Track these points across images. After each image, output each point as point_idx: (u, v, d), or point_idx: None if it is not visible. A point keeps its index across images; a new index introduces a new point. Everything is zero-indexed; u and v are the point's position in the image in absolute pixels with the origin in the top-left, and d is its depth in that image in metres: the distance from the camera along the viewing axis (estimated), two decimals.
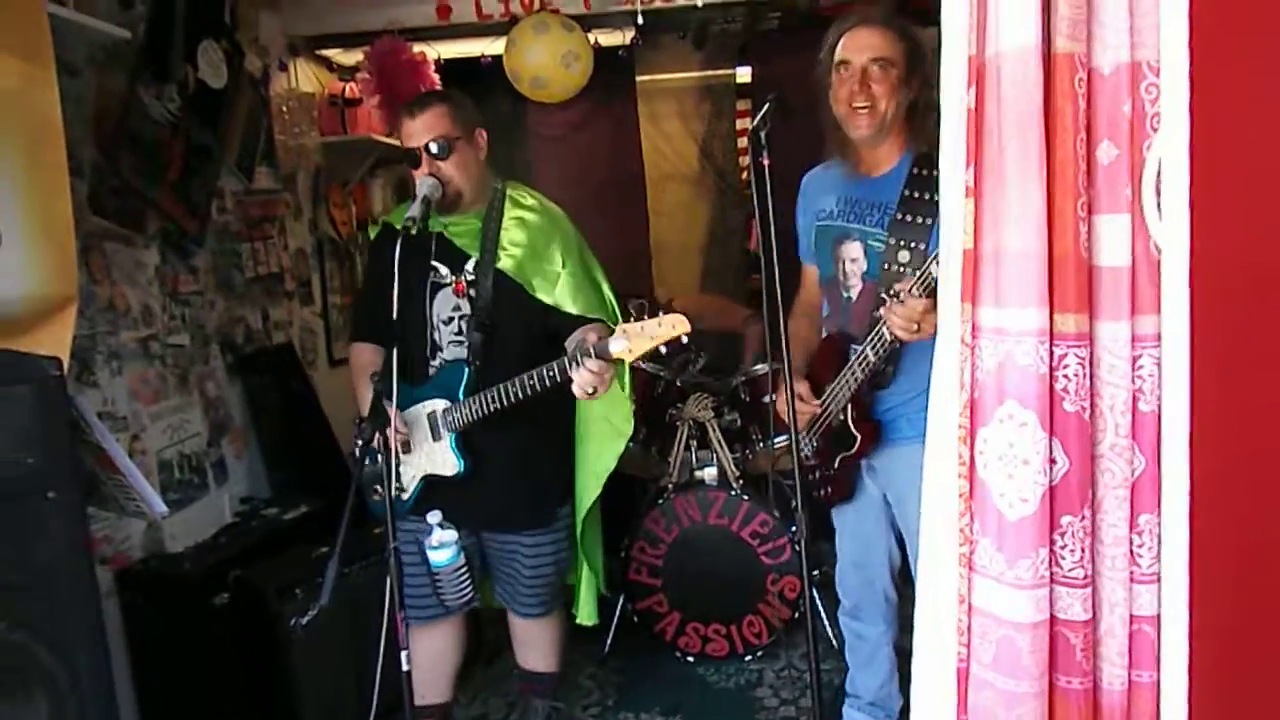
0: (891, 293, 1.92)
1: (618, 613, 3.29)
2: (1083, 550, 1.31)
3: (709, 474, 3.28)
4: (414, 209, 2.09)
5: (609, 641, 3.29)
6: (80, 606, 1.75)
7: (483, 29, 3.91)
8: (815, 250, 2.34)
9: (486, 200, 2.35)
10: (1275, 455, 1.11)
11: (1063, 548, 1.32)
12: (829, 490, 2.41)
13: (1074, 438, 1.29)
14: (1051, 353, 1.27)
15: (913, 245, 2.06)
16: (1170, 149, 1.14)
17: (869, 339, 2.08)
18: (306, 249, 3.97)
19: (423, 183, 2.21)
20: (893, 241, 2.09)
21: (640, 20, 3.87)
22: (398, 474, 2.36)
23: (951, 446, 1.35)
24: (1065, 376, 1.27)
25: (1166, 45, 1.13)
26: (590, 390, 2.03)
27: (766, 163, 2.00)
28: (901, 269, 2.06)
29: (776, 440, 3.26)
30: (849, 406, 2.22)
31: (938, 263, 1.78)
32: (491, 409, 2.19)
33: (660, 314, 1.96)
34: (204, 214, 3.14)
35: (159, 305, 2.92)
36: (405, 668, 1.97)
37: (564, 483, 2.50)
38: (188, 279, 3.08)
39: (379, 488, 2.35)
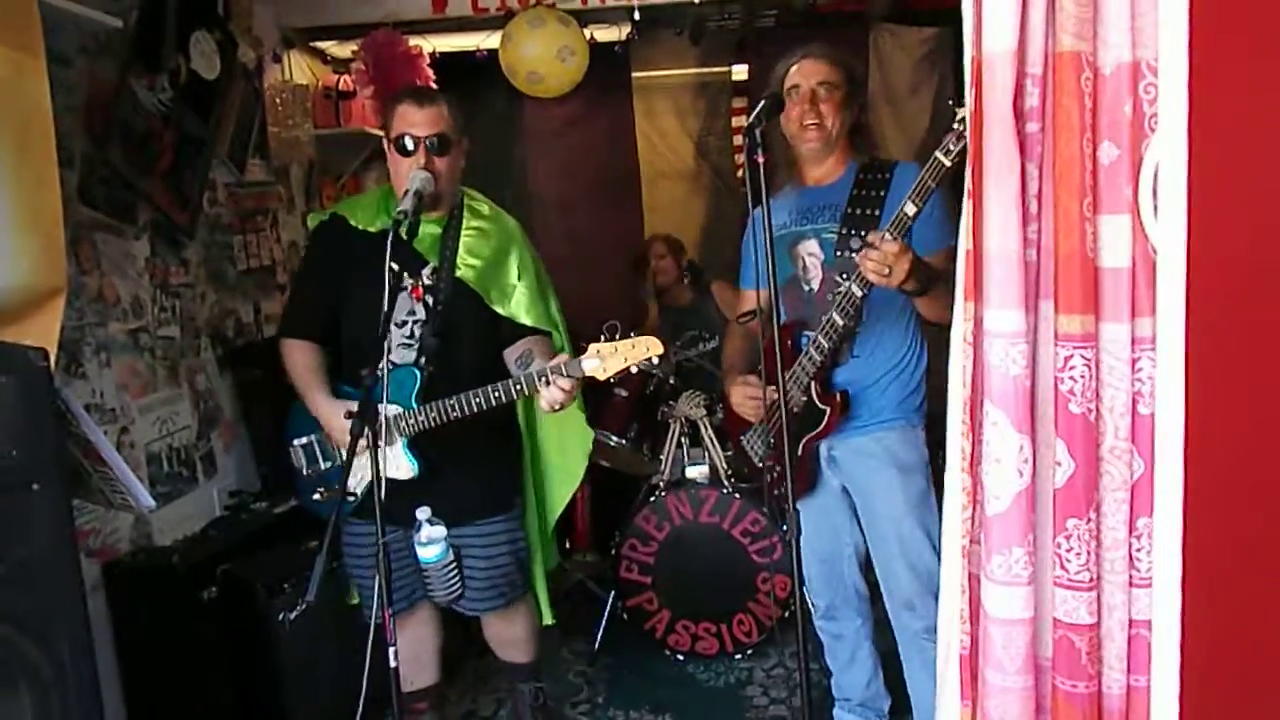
0: (866, 240, 1.98)
1: (608, 610, 3.29)
2: (1088, 553, 1.30)
3: (700, 472, 3.28)
4: (406, 202, 2.08)
5: (599, 639, 3.28)
6: (65, 599, 1.73)
7: (479, 23, 3.90)
8: (777, 258, 2.37)
9: (448, 206, 2.36)
10: (1270, 458, 1.10)
11: (1068, 551, 1.31)
12: (792, 481, 2.41)
13: (1080, 440, 1.28)
14: (1034, 354, 1.28)
15: (863, 233, 2.15)
16: (1167, 150, 1.13)
17: (833, 302, 2.14)
18: (299, 242, 3.95)
19: (414, 176, 2.18)
20: (844, 231, 2.22)
21: (637, 15, 3.86)
22: (344, 478, 2.26)
23: (954, 445, 1.38)
24: (1071, 379, 1.27)
25: (1165, 45, 1.12)
26: (558, 406, 2.09)
27: (762, 160, 2.01)
28: (854, 253, 2.13)
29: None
30: (810, 385, 2.26)
31: (911, 204, 1.88)
32: (451, 417, 2.19)
33: (632, 335, 2.05)
34: (195, 206, 3.12)
35: (149, 297, 2.90)
36: (393, 663, 1.96)
37: (512, 473, 2.52)
38: (178, 271, 3.06)
39: (322, 490, 2.40)
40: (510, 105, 4.68)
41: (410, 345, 2.31)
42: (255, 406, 3.35)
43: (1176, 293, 1.14)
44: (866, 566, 2.47)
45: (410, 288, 2.30)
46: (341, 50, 4.18)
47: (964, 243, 1.31)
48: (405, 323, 2.32)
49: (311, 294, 2.47)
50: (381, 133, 3.68)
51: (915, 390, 2.32)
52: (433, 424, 2.22)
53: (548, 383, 2.06)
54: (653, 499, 3.18)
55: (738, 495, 3.13)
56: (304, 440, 2.46)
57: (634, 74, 4.76)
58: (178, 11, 2.94)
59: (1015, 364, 1.27)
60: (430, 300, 2.31)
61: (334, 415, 2.29)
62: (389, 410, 2.25)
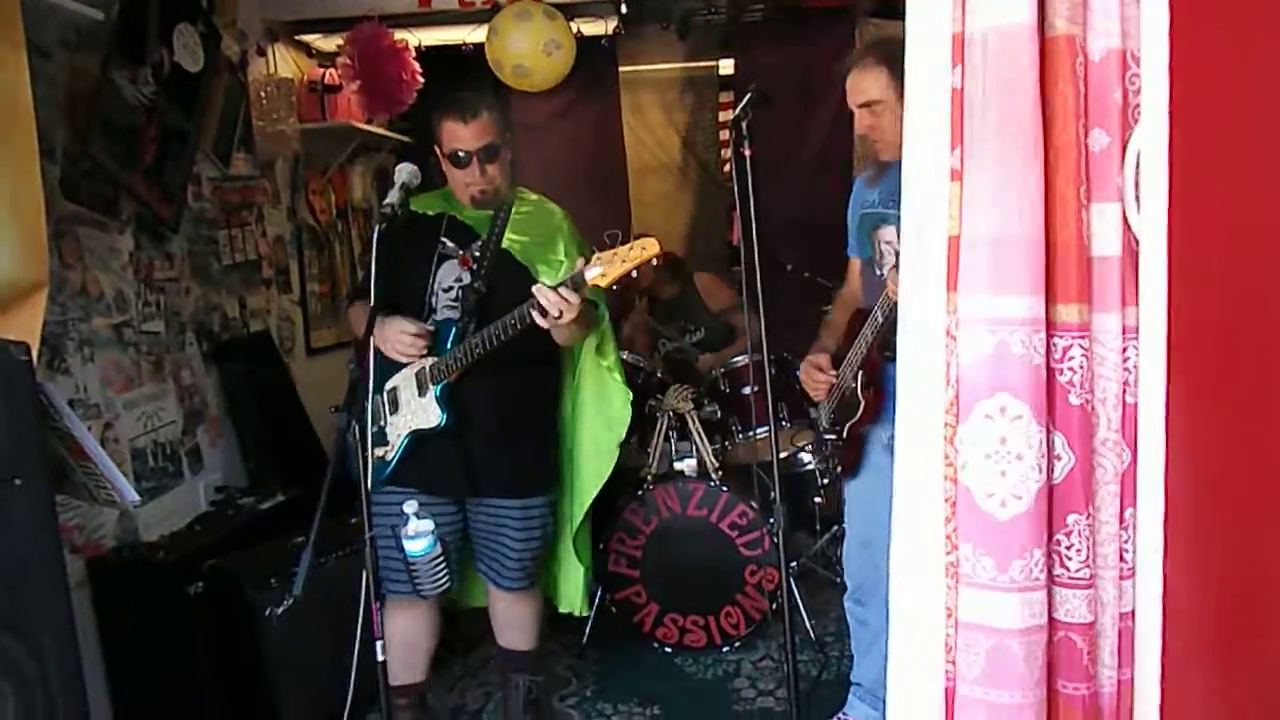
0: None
1: (595, 604, 3.29)
2: (1088, 549, 1.27)
3: (688, 465, 3.29)
4: (392, 195, 2.16)
5: (587, 632, 3.28)
6: (48, 595, 1.73)
7: (465, 16, 3.89)
8: (857, 236, 2.43)
9: (500, 203, 2.48)
10: (1254, 448, 1.10)
11: (1069, 548, 1.28)
12: (838, 462, 2.46)
13: (1078, 432, 1.25)
14: (1049, 343, 1.23)
15: None
16: (1149, 140, 1.13)
17: (879, 301, 2.15)
18: (285, 236, 3.93)
19: (402, 169, 2.27)
20: None
21: (623, 9, 3.86)
22: (385, 435, 2.40)
23: (932, 448, 1.29)
24: (1070, 369, 1.24)
25: (1147, 34, 1.11)
26: (557, 314, 2.11)
27: (748, 153, 2.03)
28: None
29: (758, 431, 3.27)
30: (859, 373, 2.28)
31: None
32: (475, 353, 2.26)
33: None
34: (179, 199, 3.10)
35: (133, 291, 2.88)
36: (381, 657, 1.97)
37: (550, 461, 2.57)
38: (163, 265, 3.04)
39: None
40: (496, 99, 4.63)
41: (454, 306, 2.41)
42: (241, 401, 3.34)
43: (1158, 282, 1.14)
44: None
45: (460, 257, 2.42)
46: (327, 44, 4.16)
47: (947, 229, 1.25)
48: (451, 288, 2.42)
49: (381, 270, 2.57)
50: (368, 126, 3.72)
51: None
52: (459, 365, 2.30)
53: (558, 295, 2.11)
54: (640, 492, 3.19)
55: (725, 488, 3.13)
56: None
57: (621, 68, 4.74)
58: (160, 3, 2.92)
59: (1037, 353, 1.21)
60: (474, 268, 2.42)
61: (386, 324, 2.35)
62: (427, 361, 2.36)
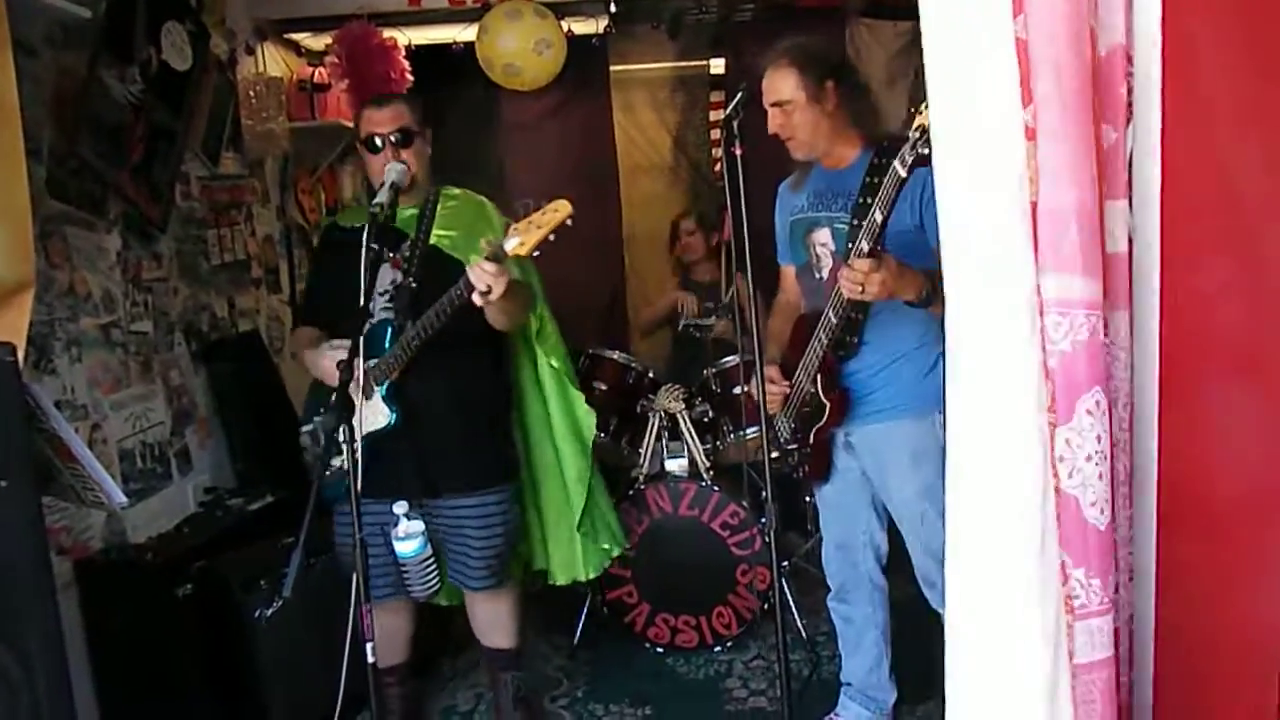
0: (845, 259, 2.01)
1: (586, 604, 3.28)
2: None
3: (680, 465, 3.28)
4: (382, 195, 2.18)
5: (578, 633, 3.28)
6: (35, 599, 1.70)
7: (454, 15, 3.88)
8: (790, 243, 2.44)
9: (422, 197, 2.50)
10: (1243, 440, 1.10)
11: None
12: (806, 469, 2.47)
13: (1115, 431, 1.18)
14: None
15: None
16: (1141, 138, 1.12)
17: (829, 302, 2.16)
18: (274, 236, 3.91)
19: (391, 169, 2.31)
20: (855, 222, 2.19)
21: (614, 8, 3.85)
22: (342, 448, 2.36)
23: (1026, 457, 1.08)
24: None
25: (1140, 30, 1.10)
26: (484, 287, 2.11)
27: (739, 152, 2.04)
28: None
29: (748, 431, 3.27)
30: (817, 377, 2.29)
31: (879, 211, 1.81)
32: (414, 346, 2.28)
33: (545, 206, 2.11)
34: (167, 199, 3.08)
35: (121, 291, 2.86)
36: (371, 659, 1.96)
37: (504, 453, 2.59)
38: (151, 265, 3.02)
39: (328, 472, 2.43)
40: (487, 98, 4.64)
41: (390, 306, 2.42)
42: (230, 402, 3.32)
43: (1152, 280, 1.13)
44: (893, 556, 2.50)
45: (390, 260, 2.43)
46: (316, 42, 4.14)
47: (1021, 193, 1.06)
48: (386, 291, 2.44)
49: (316, 295, 2.69)
50: (342, 126, 3.71)
51: (929, 375, 2.29)
52: (399, 361, 2.32)
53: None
54: (632, 492, 3.18)
55: (717, 488, 3.13)
56: (310, 426, 2.59)
57: (611, 67, 4.73)
58: (148, 1, 2.90)
59: (1108, 341, 1.11)
60: (405, 267, 2.44)
61: (323, 356, 2.42)
62: (368, 365, 2.35)
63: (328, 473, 2.43)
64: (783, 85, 2.22)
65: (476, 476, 2.47)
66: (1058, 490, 1.09)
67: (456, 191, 2.59)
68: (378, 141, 2.40)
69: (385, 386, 2.36)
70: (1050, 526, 1.08)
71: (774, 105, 2.24)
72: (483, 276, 2.10)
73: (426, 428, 2.40)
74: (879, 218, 1.88)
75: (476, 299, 2.14)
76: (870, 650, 2.59)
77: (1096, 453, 1.09)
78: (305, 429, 2.61)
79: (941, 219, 1.16)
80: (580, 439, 2.70)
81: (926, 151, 1.65)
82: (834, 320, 2.17)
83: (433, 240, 2.45)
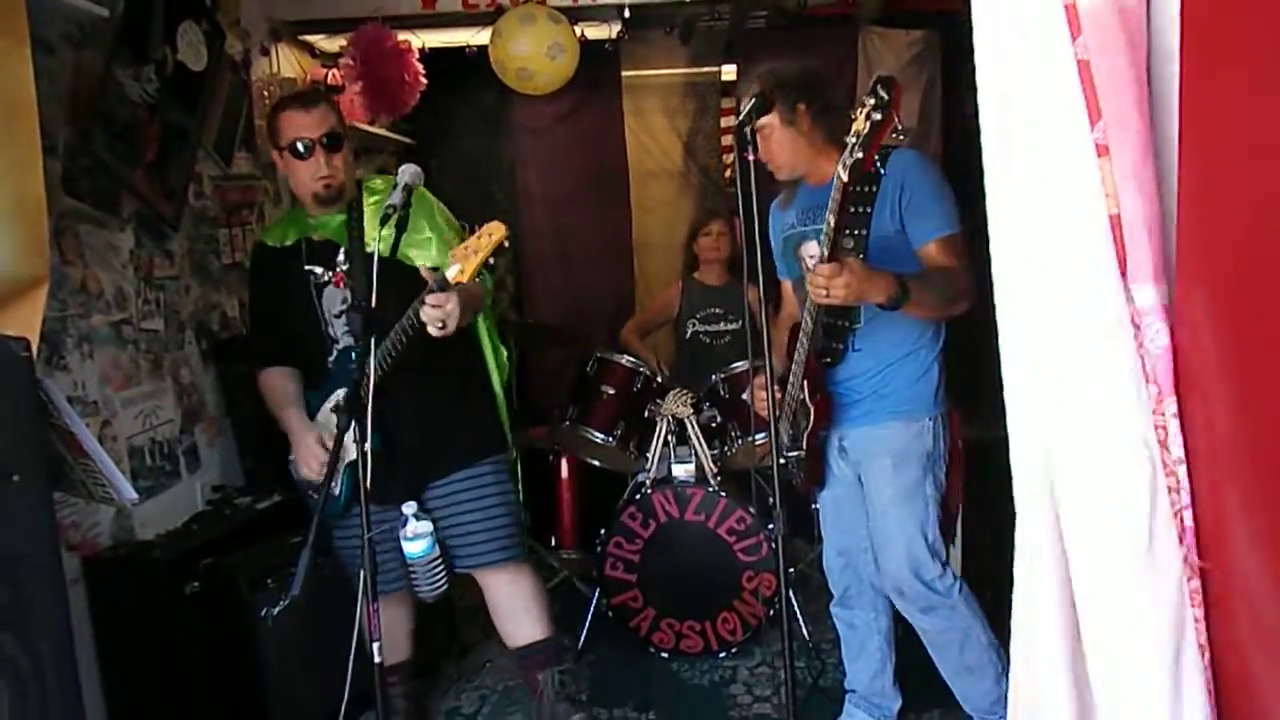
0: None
1: (592, 608, 3.28)
2: None
3: (687, 470, 3.28)
4: (395, 196, 2.10)
5: (582, 637, 3.27)
6: (45, 593, 1.72)
7: (468, 18, 3.89)
8: (784, 258, 2.50)
9: (347, 199, 2.44)
10: (1267, 448, 1.09)
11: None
12: (802, 475, 2.49)
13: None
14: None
15: (855, 232, 2.22)
16: (1159, 140, 1.12)
17: (804, 309, 2.20)
18: None
19: (404, 170, 2.18)
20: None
21: (627, 14, 3.86)
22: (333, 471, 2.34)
23: (1128, 464, 1.13)
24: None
25: (1157, 47, 1.11)
26: (439, 325, 2.09)
27: (752, 158, 2.04)
28: (847, 252, 2.17)
29: (757, 437, 3.26)
30: (804, 383, 2.32)
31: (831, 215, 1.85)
32: (382, 372, 2.21)
33: (478, 227, 2.08)
34: (180, 198, 3.09)
35: (133, 289, 2.87)
36: (378, 659, 1.96)
37: (485, 419, 2.55)
38: (163, 263, 3.04)
39: (313, 493, 2.39)
40: (499, 102, 4.67)
41: (349, 332, 2.38)
42: (239, 400, 3.33)
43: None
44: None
45: (333, 278, 2.39)
46: (330, 44, 4.16)
47: (1099, 208, 1.12)
48: (341, 313, 2.40)
49: (265, 321, 2.58)
50: (370, 128, 3.68)
51: (923, 379, 2.33)
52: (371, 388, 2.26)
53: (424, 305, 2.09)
54: (638, 497, 3.18)
55: (724, 493, 3.13)
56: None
57: (624, 72, 4.75)
58: (165, 1, 2.92)
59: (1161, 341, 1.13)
60: (350, 282, 2.39)
61: (304, 438, 2.40)
62: (339, 395, 2.33)
63: (313, 494, 2.41)
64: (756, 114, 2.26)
65: (464, 453, 2.45)
66: (1178, 490, 1.15)
67: (379, 183, 2.50)
68: (303, 146, 2.32)
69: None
70: (1162, 530, 1.14)
71: (752, 132, 2.25)
72: (434, 314, 2.08)
73: (407, 432, 2.37)
74: (831, 222, 1.92)
75: (433, 331, 2.11)
76: (873, 656, 2.59)
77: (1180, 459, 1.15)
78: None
79: (1001, 241, 1.22)
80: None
81: (861, 155, 1.69)
82: (810, 325, 2.20)
83: (369, 245, 2.30)
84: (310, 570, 1.94)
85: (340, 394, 2.32)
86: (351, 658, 1.95)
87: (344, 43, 3.88)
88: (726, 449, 3.39)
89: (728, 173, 4.85)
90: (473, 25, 3.93)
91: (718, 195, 4.88)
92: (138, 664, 2.53)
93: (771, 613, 3.10)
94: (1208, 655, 1.16)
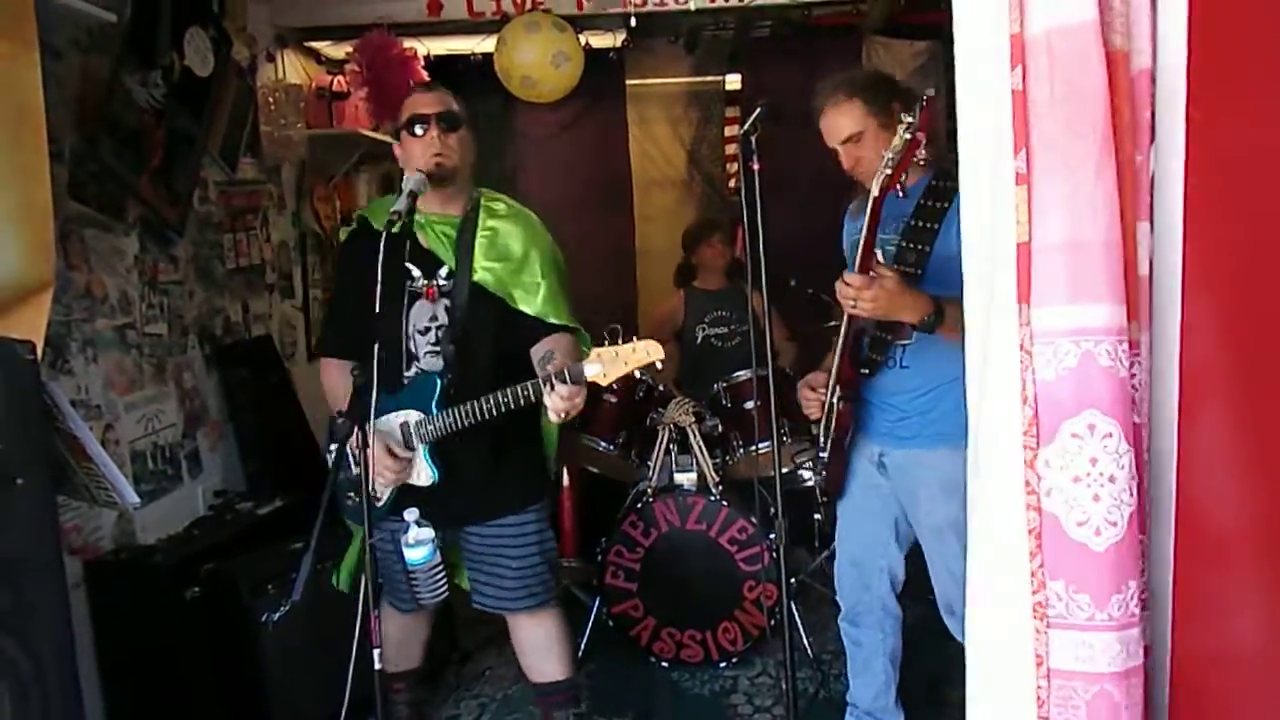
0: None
1: (592, 617, 3.28)
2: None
3: (688, 479, 3.27)
4: (400, 203, 2.09)
5: (583, 646, 3.27)
6: (47, 597, 1.72)
7: (473, 26, 3.90)
8: (852, 265, 2.41)
9: (464, 204, 2.36)
10: (1266, 467, 1.09)
11: (1141, 572, 1.21)
12: (825, 478, 2.45)
13: (1140, 452, 1.20)
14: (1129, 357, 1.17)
15: (919, 247, 2.16)
16: (1165, 159, 1.13)
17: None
18: (289, 242, 3.94)
19: (409, 179, 2.19)
20: (904, 244, 2.19)
21: (632, 23, 3.87)
22: (374, 482, 2.31)
23: (1010, 474, 1.19)
24: (1134, 386, 1.18)
25: (1165, 53, 1.11)
26: (562, 415, 2.05)
27: (757, 167, 2.04)
28: (909, 267, 2.15)
29: (759, 446, 3.26)
30: (836, 388, 2.27)
31: (888, 245, 1.82)
32: (466, 424, 2.18)
33: (635, 339, 2.00)
34: (185, 203, 3.10)
35: (137, 294, 2.88)
36: (379, 665, 1.96)
37: (539, 466, 2.50)
38: (167, 268, 3.04)
39: (353, 494, 2.35)
40: (504, 110, 4.67)
41: (436, 352, 2.30)
42: (242, 405, 3.34)
43: (1173, 302, 1.13)
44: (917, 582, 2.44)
45: (424, 289, 2.31)
46: (336, 51, 4.17)
47: (1015, 235, 1.16)
48: (428, 329, 2.32)
49: (343, 307, 2.45)
50: (375, 134, 3.66)
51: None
52: (449, 430, 2.21)
53: (551, 388, 2.02)
54: (640, 505, 3.18)
55: (725, 503, 3.12)
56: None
57: (628, 81, 4.76)
58: (173, 7, 2.93)
59: (1122, 365, 1.14)
60: (448, 304, 2.30)
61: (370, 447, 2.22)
62: (411, 416, 2.26)
63: (350, 500, 2.38)
64: (847, 121, 2.18)
65: (514, 500, 2.38)
66: (1039, 508, 1.17)
67: (502, 208, 2.39)
68: (419, 126, 2.27)
69: (427, 446, 2.27)
70: (1018, 537, 1.19)
71: (844, 143, 2.19)
72: (562, 405, 2.01)
73: (466, 476, 2.32)
74: (865, 237, 1.90)
75: (552, 417, 2.06)
76: (877, 676, 2.56)
77: (1089, 475, 1.15)
78: (334, 447, 2.43)
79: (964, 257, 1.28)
80: None
81: (889, 172, 1.69)
82: (845, 331, 2.16)
83: (477, 276, 2.29)
84: (312, 576, 1.93)
85: (413, 417, 2.26)
86: (352, 664, 1.94)
87: (349, 49, 3.89)
88: (728, 458, 3.39)
89: (732, 182, 4.85)
90: (478, 33, 3.94)
91: (721, 204, 4.89)
92: (138, 668, 2.53)
93: (773, 623, 3.09)
94: (1045, 666, 1.20)
